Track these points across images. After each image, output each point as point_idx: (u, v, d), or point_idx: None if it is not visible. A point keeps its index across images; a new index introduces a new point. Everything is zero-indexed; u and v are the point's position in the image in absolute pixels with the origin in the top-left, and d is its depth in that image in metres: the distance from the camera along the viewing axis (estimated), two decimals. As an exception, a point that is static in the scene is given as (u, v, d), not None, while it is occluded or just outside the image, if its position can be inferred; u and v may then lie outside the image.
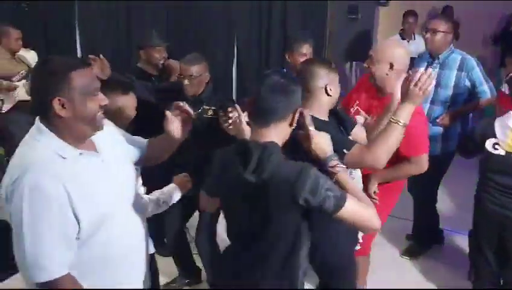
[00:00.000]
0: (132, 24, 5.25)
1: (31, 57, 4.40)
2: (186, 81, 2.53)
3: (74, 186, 1.32)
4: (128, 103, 1.99)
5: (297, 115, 1.45)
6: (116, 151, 1.54)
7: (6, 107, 3.85)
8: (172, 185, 1.99)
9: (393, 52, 2.23)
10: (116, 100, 1.89)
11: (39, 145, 1.35)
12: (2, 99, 3.83)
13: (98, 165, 1.43)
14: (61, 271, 1.32)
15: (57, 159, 1.34)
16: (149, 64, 3.18)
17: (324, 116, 1.87)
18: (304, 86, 1.67)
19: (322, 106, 1.86)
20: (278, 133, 1.43)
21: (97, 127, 1.41)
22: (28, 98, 3.80)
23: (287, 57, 3.05)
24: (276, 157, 1.38)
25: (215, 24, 5.18)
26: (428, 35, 2.98)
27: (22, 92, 3.90)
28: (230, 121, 1.87)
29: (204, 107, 2.55)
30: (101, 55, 2.52)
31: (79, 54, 5.33)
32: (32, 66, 4.26)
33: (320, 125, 1.66)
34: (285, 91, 1.42)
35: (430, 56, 3.06)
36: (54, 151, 1.34)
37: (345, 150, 1.68)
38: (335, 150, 1.57)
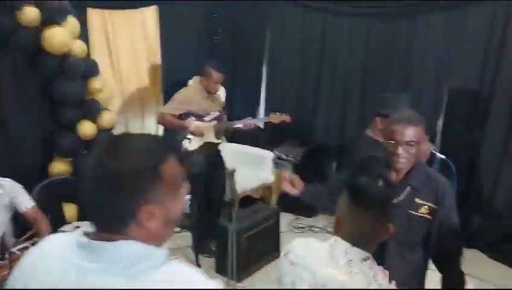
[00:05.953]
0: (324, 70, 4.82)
1: (220, 92, 4.36)
2: (400, 150, 1.80)
3: None
4: None
5: None
6: None
7: (191, 148, 3.89)
8: None
9: None
10: None
11: None
12: (189, 139, 3.85)
13: None
14: None
15: None
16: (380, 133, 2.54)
17: None
18: None
19: None
20: None
21: None
22: (215, 141, 3.87)
23: None
24: None
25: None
26: None
27: (209, 135, 3.93)
28: None
29: (420, 204, 1.87)
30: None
31: (262, 98, 5.21)
32: (222, 104, 4.18)
33: None
34: None
35: None
36: None
37: None
38: None
